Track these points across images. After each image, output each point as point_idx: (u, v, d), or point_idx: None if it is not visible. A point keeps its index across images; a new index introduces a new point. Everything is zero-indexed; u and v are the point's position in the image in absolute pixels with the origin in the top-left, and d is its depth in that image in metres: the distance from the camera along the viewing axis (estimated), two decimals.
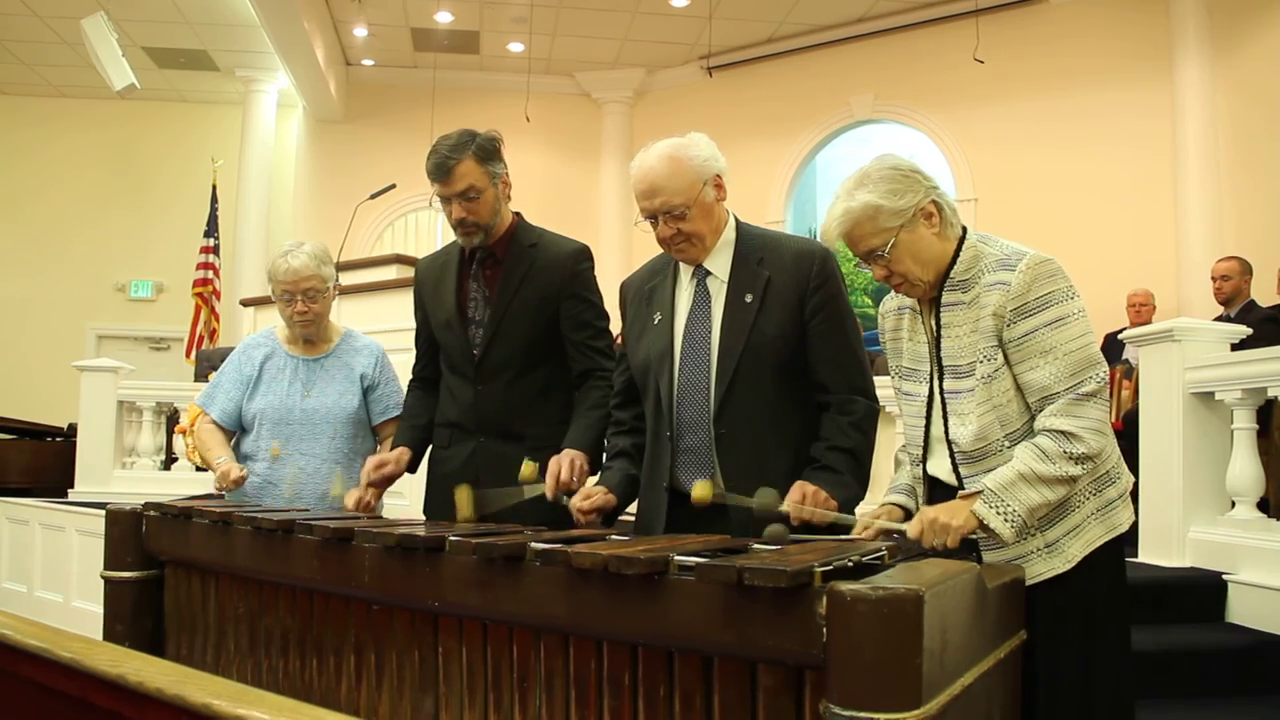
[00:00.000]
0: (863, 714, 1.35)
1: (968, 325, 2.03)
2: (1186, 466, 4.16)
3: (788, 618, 1.45)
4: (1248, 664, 3.48)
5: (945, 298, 2.07)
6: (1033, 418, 1.99)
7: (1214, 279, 6.22)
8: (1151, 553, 4.22)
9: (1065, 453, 1.91)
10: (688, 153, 2.30)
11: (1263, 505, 4.08)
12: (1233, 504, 4.09)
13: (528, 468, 2.50)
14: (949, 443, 2.07)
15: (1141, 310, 7.04)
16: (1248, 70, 7.87)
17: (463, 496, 2.48)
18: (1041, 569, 2.00)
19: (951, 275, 2.06)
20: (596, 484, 2.48)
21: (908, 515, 2.18)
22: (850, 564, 1.58)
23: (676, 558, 1.60)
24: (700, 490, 2.18)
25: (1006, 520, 1.90)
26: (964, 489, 2.04)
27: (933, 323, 2.11)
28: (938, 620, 1.42)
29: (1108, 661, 2.02)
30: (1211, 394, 4.13)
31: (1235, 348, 4.34)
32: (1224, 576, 3.87)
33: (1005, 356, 1.99)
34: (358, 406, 3.10)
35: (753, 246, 2.37)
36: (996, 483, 1.92)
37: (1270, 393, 3.88)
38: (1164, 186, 8.35)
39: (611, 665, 1.67)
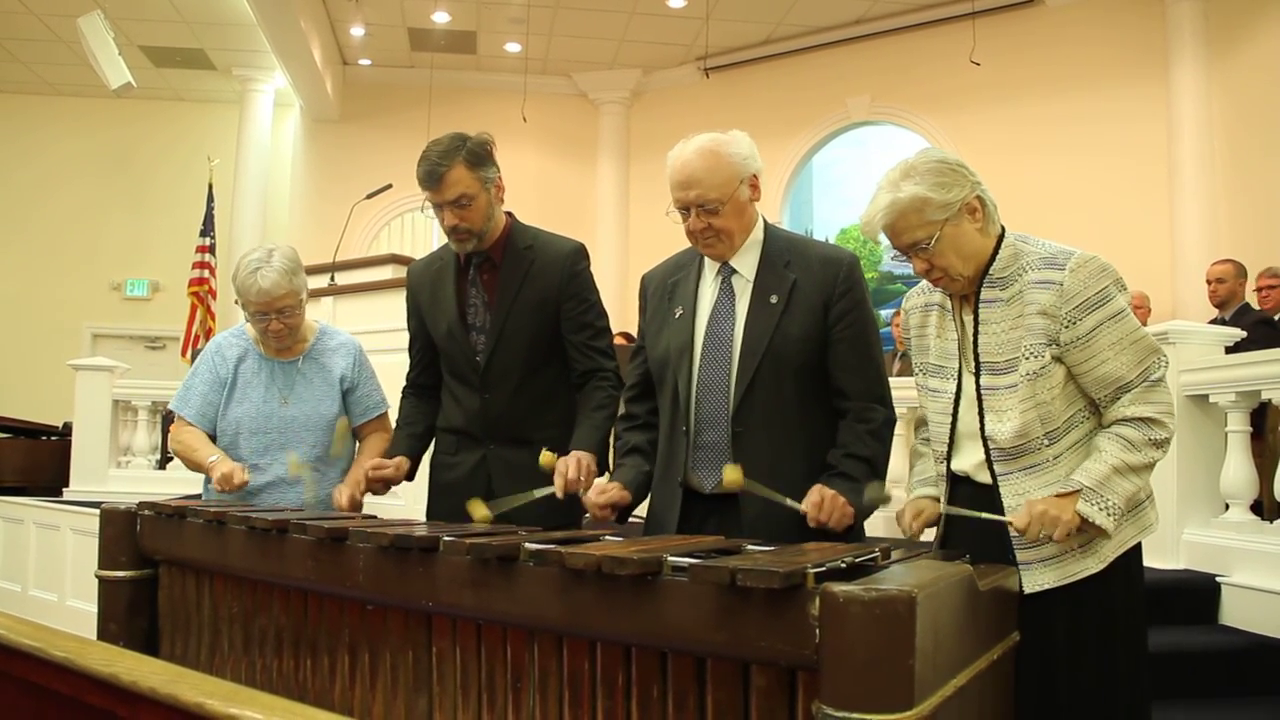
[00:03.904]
0: (855, 715, 1.35)
1: (1006, 322, 2.04)
2: (1181, 469, 4.17)
3: (781, 619, 1.45)
4: (1241, 666, 3.49)
5: (984, 294, 2.08)
6: (1072, 416, 2.03)
7: (1208, 282, 6.24)
8: (1146, 555, 4.17)
9: (1150, 439, 1.97)
10: (728, 149, 2.29)
11: (1256, 508, 4.10)
12: (1226, 506, 4.10)
13: (546, 456, 2.47)
14: (984, 439, 2.08)
15: (1136, 313, 7.01)
16: (1243, 74, 7.89)
17: (477, 510, 2.42)
18: (1075, 569, 2.01)
19: (990, 272, 2.06)
20: (611, 481, 2.46)
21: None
22: (843, 565, 1.59)
23: (670, 559, 1.60)
24: (732, 474, 2.15)
25: (1109, 515, 1.94)
26: (998, 486, 2.05)
27: (966, 319, 2.12)
28: (930, 621, 1.42)
29: (1130, 661, 2.04)
30: (1206, 397, 4.14)
31: (1229, 350, 4.35)
32: (1218, 579, 3.88)
33: (1055, 355, 2.00)
34: (337, 411, 3.01)
35: (780, 249, 2.37)
36: (1093, 479, 1.95)
37: (1264, 395, 3.89)
38: (1159, 189, 8.37)
39: (605, 666, 1.67)
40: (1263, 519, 4.02)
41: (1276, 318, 5.83)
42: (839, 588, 1.39)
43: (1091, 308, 1.97)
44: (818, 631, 1.41)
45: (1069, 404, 2.03)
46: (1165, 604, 3.79)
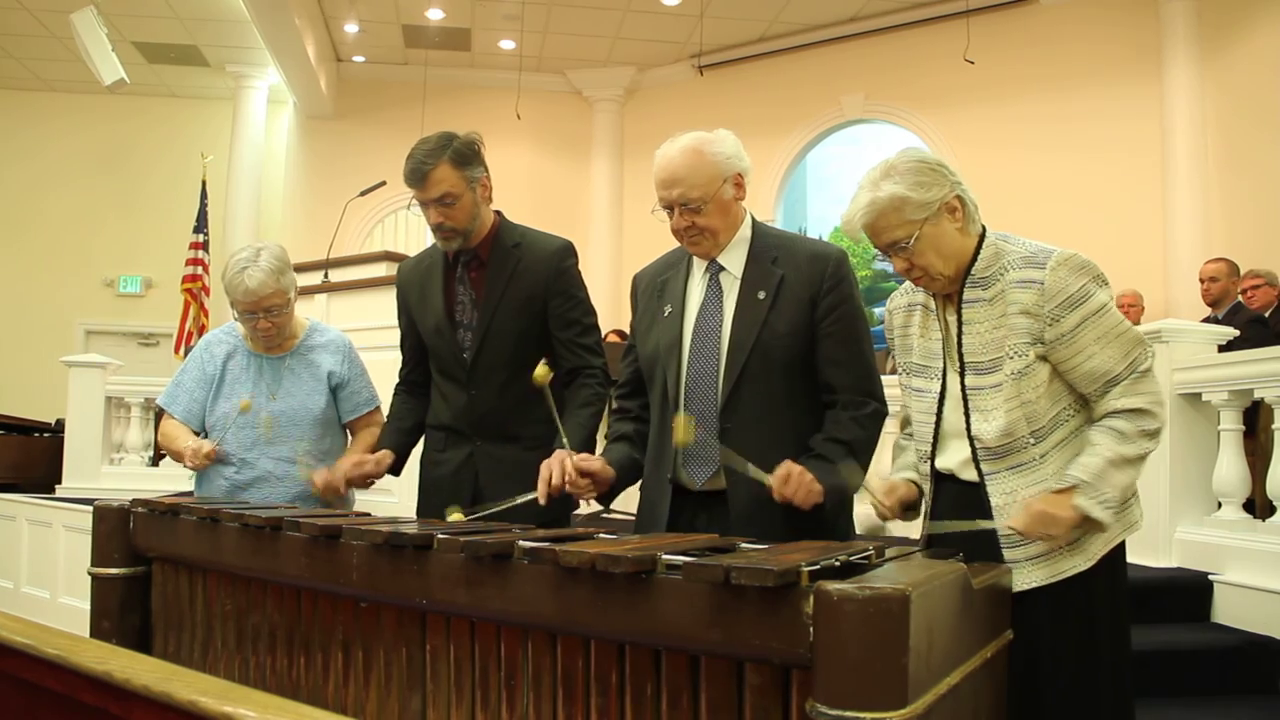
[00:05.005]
0: (849, 713, 1.35)
1: (989, 322, 2.05)
2: (1173, 467, 4.18)
3: (775, 617, 1.45)
4: (1233, 664, 3.51)
5: (966, 294, 2.08)
6: (1057, 414, 2.03)
7: (1202, 280, 6.26)
8: (1138, 553, 4.24)
9: (1142, 430, 1.97)
10: (711, 148, 2.30)
11: (1249, 506, 4.11)
12: (1219, 505, 4.11)
13: (542, 368, 2.38)
14: (970, 438, 2.08)
15: (1129, 311, 7.05)
16: (1236, 72, 7.91)
17: (453, 516, 2.40)
18: (1064, 566, 2.01)
19: (973, 272, 2.07)
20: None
21: (919, 492, 2.23)
22: (837, 563, 1.59)
23: (664, 556, 1.60)
24: (683, 427, 2.17)
25: (1106, 508, 1.94)
26: (985, 484, 2.05)
27: (949, 319, 2.12)
28: (924, 620, 1.42)
29: (1114, 658, 2.04)
30: (1199, 395, 4.15)
31: (1222, 349, 4.37)
32: (1210, 577, 3.89)
33: (1040, 354, 2.00)
34: (324, 406, 3.02)
35: (768, 245, 2.38)
36: (1089, 474, 1.94)
37: (1257, 394, 3.90)
38: (1152, 187, 8.39)
39: (599, 664, 1.67)
40: (1255, 517, 4.04)
41: (1267, 314, 5.85)
42: (833, 586, 1.39)
43: (1073, 305, 1.98)
44: (812, 630, 1.41)
45: (1054, 402, 2.03)
46: (1158, 602, 3.81)
